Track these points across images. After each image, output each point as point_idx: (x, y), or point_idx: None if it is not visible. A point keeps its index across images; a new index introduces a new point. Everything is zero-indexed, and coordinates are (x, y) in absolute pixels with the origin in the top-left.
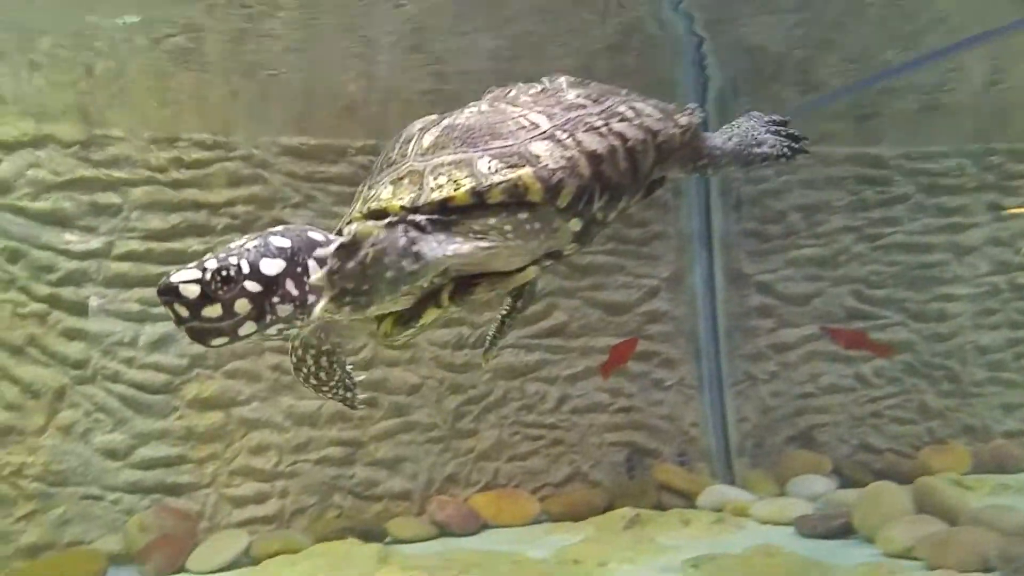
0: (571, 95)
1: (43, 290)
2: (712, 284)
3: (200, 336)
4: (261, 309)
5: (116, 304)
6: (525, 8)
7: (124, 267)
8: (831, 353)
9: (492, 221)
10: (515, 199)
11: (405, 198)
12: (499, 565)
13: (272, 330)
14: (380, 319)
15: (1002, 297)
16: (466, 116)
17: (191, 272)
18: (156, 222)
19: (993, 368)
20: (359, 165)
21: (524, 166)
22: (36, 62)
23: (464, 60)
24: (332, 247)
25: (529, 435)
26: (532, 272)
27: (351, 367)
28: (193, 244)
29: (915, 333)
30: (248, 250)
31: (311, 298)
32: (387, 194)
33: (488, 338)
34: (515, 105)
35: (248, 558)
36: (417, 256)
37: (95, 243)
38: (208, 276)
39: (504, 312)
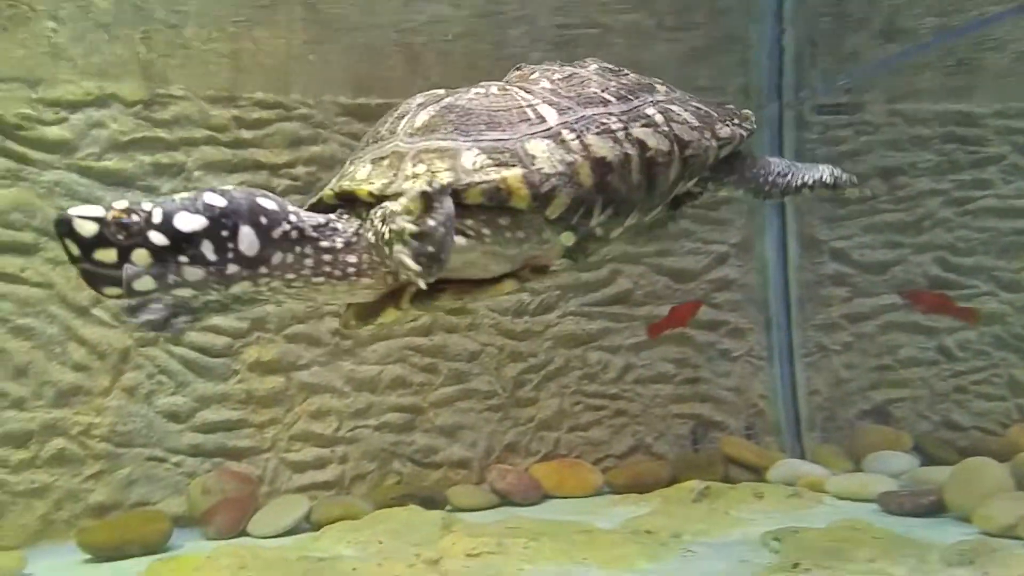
0: (595, 87)
1: None
2: (784, 251)
3: (92, 281)
4: (164, 266)
5: None
6: None
7: None
8: (911, 324)
9: (468, 221)
10: (497, 203)
11: (376, 183)
12: (569, 534)
13: (178, 292)
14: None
15: None
16: (469, 97)
17: (93, 209)
18: (216, 182)
19: None
20: None
21: (514, 166)
22: (100, 22)
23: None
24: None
25: (591, 405)
26: (508, 286)
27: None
28: None
29: (1006, 304)
30: (173, 200)
31: (232, 268)
32: (362, 174)
33: None
34: (528, 92)
35: (309, 524)
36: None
37: None
38: (110, 217)
39: None
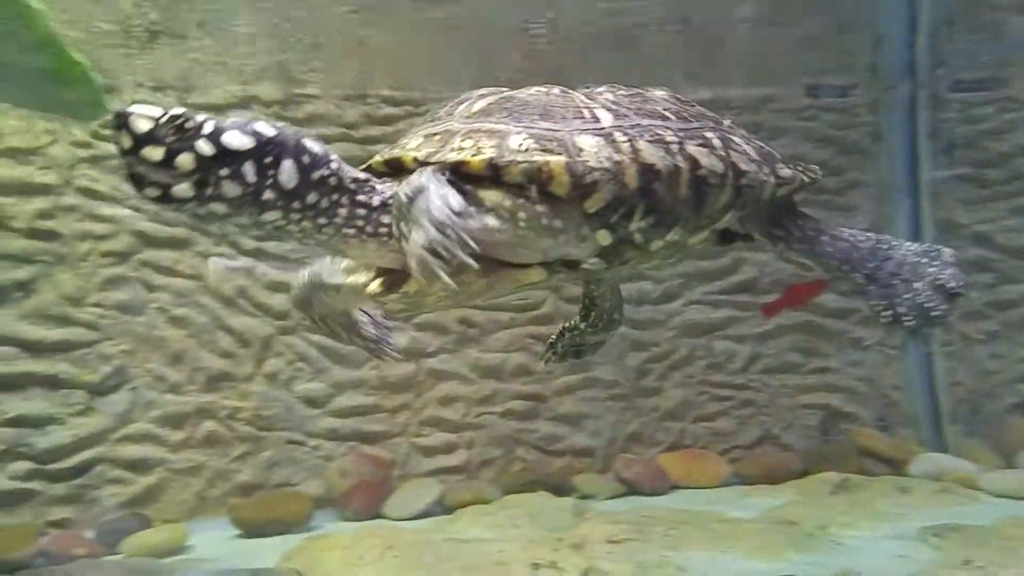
0: (659, 105)
1: (250, 244)
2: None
3: (136, 179)
4: (205, 175)
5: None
6: None
7: None
8: None
9: (507, 203)
10: (537, 185)
11: (422, 152)
12: (707, 523)
13: (212, 207)
14: (376, 275)
15: None
16: (530, 93)
17: (152, 109)
18: None
19: None
20: None
21: (560, 154)
22: (242, 31)
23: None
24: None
25: (717, 395)
26: (536, 275)
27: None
28: None
29: None
30: (230, 120)
31: (267, 194)
32: (413, 145)
33: (551, 340)
34: (590, 98)
35: (441, 507)
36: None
37: None
38: (165, 118)
39: (572, 323)
